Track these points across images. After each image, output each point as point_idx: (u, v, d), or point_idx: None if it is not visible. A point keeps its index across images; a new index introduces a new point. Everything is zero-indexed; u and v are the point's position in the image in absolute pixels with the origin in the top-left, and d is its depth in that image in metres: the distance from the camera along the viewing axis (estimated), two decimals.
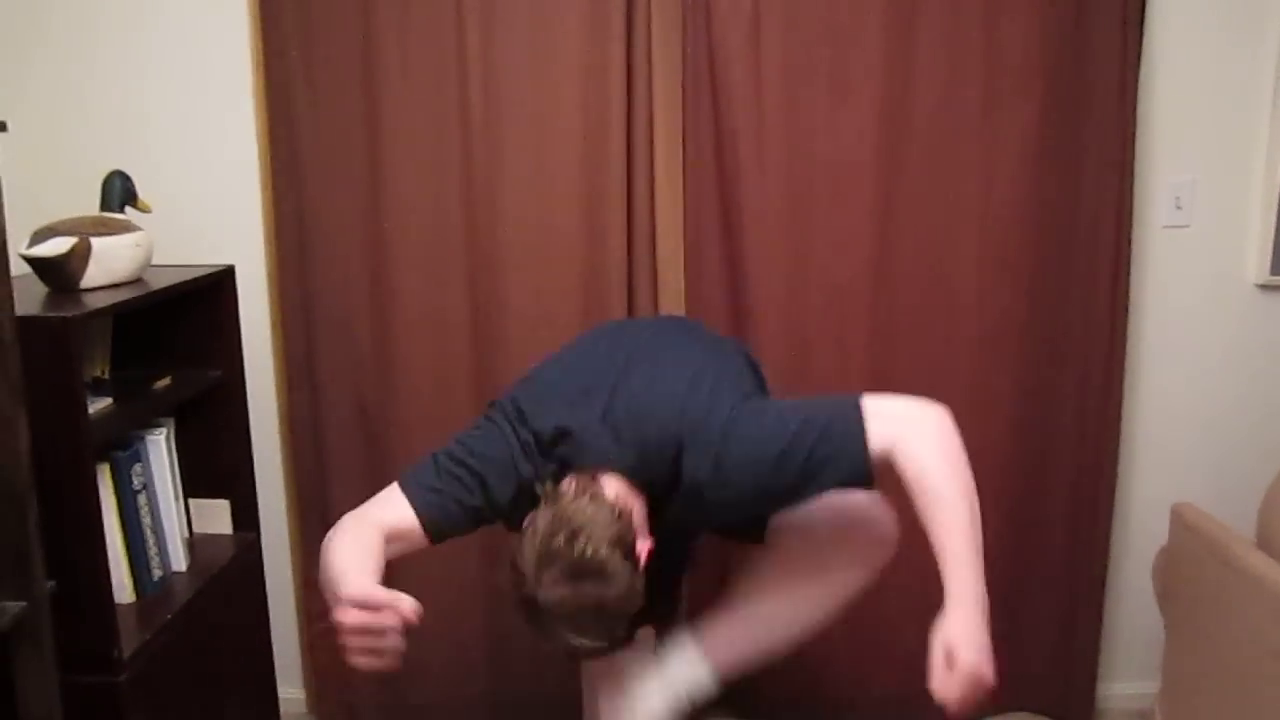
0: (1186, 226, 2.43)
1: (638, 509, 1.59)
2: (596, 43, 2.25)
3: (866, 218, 2.36)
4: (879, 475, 1.55)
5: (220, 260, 2.16)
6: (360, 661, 1.45)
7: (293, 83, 2.27)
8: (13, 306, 1.49)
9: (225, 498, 2.22)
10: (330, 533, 1.64)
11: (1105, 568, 2.52)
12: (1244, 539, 1.98)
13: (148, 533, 1.94)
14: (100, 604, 1.72)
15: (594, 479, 1.56)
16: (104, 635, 1.73)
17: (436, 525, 1.64)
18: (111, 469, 1.83)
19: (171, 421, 2.07)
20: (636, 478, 1.60)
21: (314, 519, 2.47)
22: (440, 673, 2.55)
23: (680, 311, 2.41)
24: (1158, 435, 2.52)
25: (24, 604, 1.56)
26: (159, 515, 1.98)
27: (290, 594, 2.55)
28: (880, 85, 2.30)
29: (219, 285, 2.13)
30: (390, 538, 1.61)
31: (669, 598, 1.98)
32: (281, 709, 2.42)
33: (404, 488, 1.65)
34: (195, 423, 2.15)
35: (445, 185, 2.32)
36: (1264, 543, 1.97)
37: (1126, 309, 2.39)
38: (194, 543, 2.15)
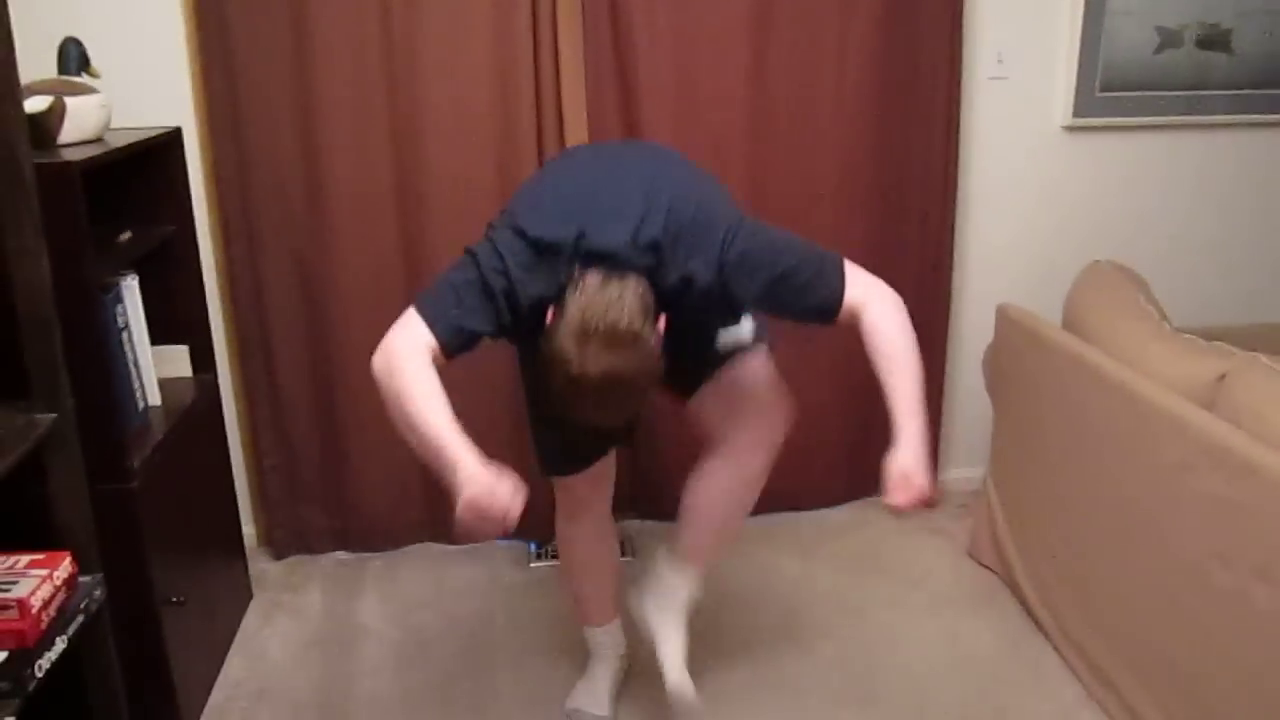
0: (1006, 79, 2.88)
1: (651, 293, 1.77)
2: None
3: (742, 78, 2.70)
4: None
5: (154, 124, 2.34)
6: (475, 534, 1.62)
7: None
8: (30, 151, 1.69)
9: (184, 344, 2.44)
10: (383, 367, 1.71)
11: (944, 370, 3.02)
12: (1053, 324, 2.47)
13: (132, 369, 2.15)
14: (115, 419, 1.95)
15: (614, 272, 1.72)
16: (118, 447, 1.97)
17: (452, 347, 1.74)
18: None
19: (134, 272, 2.26)
20: (648, 278, 1.76)
21: (257, 364, 2.71)
22: (380, 500, 2.86)
23: None
24: (985, 253, 3.01)
25: (54, 416, 1.78)
26: (137, 354, 2.19)
27: (237, 435, 2.78)
28: None
29: (168, 146, 2.31)
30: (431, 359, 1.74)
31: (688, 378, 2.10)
32: None
33: (421, 313, 1.74)
34: (152, 276, 2.33)
35: (367, 52, 2.53)
36: (1068, 325, 2.46)
37: (958, 146, 2.84)
38: (161, 384, 2.37)
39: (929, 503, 1.80)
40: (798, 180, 2.78)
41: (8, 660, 1.63)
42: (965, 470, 3.14)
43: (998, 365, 2.67)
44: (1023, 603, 2.56)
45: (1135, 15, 2.84)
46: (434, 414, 1.67)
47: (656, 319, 1.72)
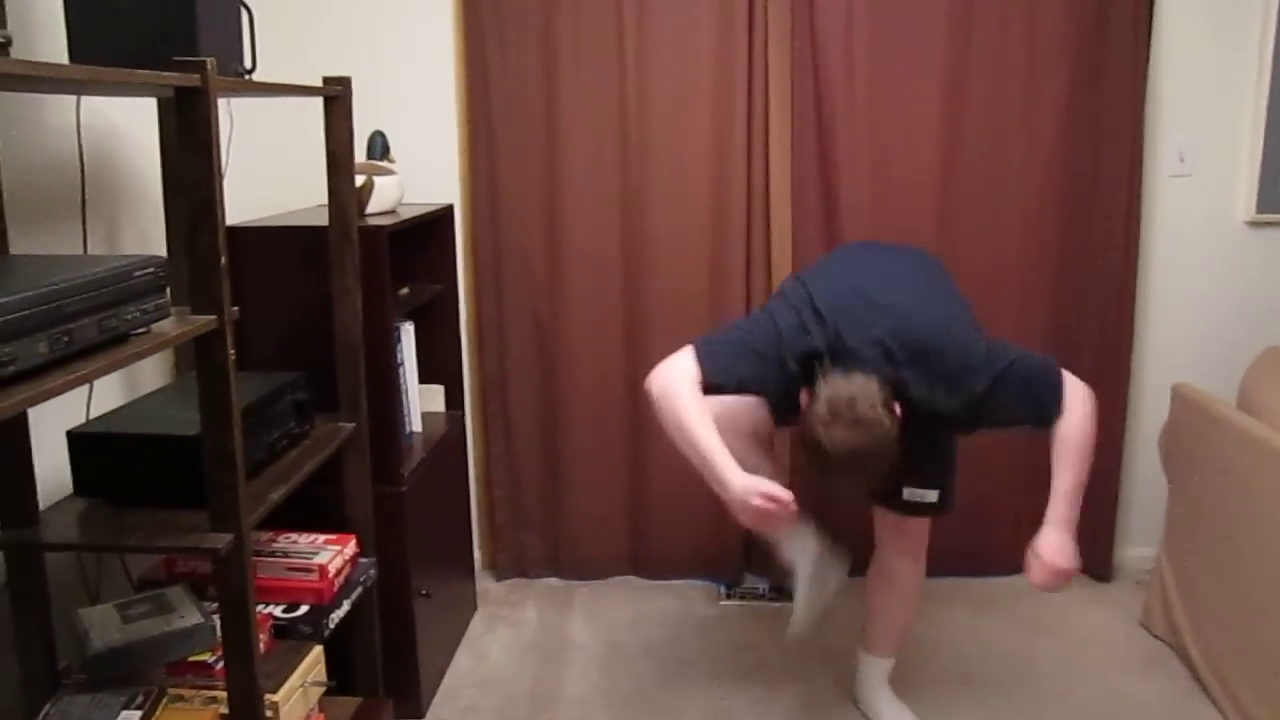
0: (1188, 175, 3.06)
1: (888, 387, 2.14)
2: (725, 29, 2.92)
3: (933, 169, 3.00)
4: None
5: (429, 200, 2.85)
6: (766, 524, 2.06)
7: (489, 66, 2.95)
8: (356, 217, 2.18)
9: (440, 384, 2.91)
10: (659, 385, 2.12)
11: (1121, 450, 3.15)
12: (1226, 402, 2.61)
13: (404, 398, 2.62)
14: (394, 433, 2.40)
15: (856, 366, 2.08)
16: (395, 456, 2.41)
17: (711, 386, 2.12)
18: None
19: (409, 320, 2.74)
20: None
21: (495, 406, 3.15)
22: (591, 535, 3.23)
23: (787, 241, 3.05)
24: (1164, 337, 3.16)
25: (353, 425, 2.24)
26: (408, 387, 2.66)
27: (472, 467, 3.22)
28: (944, 63, 2.94)
29: (442, 219, 2.80)
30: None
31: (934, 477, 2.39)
32: None
33: (696, 352, 2.14)
34: (421, 324, 2.82)
35: (605, 145, 2.99)
36: (1242, 405, 2.59)
37: (1138, 240, 3.02)
38: (422, 416, 2.83)
39: (1069, 577, 2.11)
40: (982, 267, 3.03)
41: (309, 611, 2.06)
42: (1141, 549, 3.24)
43: (1172, 442, 2.80)
44: (1191, 669, 2.66)
45: None
46: (706, 431, 2.07)
47: (894, 408, 2.04)
